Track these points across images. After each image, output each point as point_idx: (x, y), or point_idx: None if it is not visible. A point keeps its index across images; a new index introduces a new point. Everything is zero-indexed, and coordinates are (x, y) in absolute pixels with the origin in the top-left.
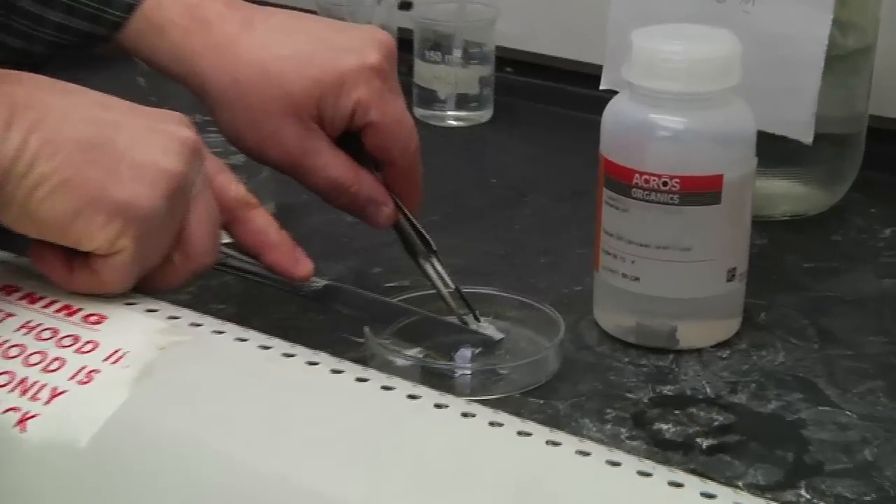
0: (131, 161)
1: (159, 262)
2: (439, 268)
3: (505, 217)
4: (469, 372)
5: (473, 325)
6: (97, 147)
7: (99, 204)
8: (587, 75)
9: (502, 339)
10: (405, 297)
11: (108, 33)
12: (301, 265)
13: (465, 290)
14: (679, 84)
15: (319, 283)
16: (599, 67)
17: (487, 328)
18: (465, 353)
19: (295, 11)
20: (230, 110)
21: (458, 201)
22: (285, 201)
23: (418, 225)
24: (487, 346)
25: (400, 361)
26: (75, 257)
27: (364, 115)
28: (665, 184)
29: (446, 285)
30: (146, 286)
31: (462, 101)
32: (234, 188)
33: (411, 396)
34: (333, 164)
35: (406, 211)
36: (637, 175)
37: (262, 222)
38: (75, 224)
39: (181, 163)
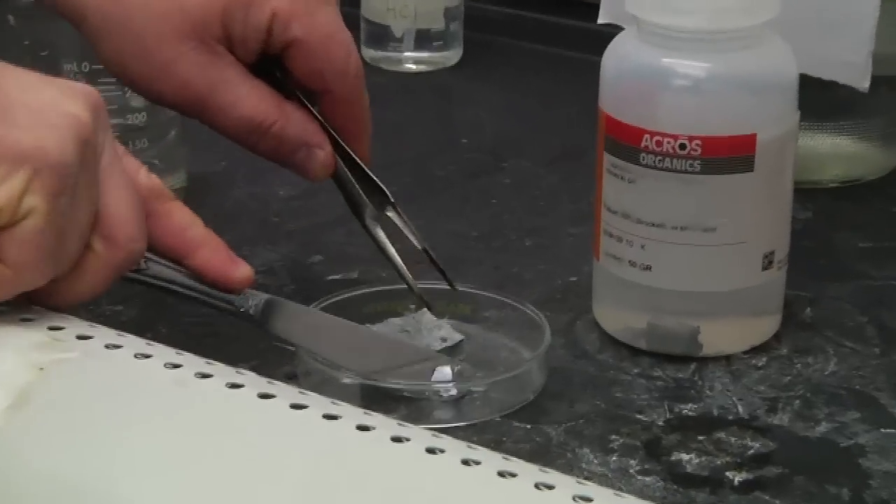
0: (27, 106)
1: (78, 251)
2: (399, 223)
3: (479, 188)
4: (434, 391)
5: (432, 324)
6: None
7: None
8: (582, 4)
9: (461, 340)
10: (354, 293)
11: None
12: (239, 267)
13: (423, 285)
14: (700, 19)
15: (259, 297)
16: None
17: (443, 328)
18: (445, 369)
19: None
20: (114, 38)
21: (420, 168)
22: (198, 170)
23: (367, 169)
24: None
25: (346, 379)
26: None
27: (284, 30)
28: (683, 147)
29: (412, 247)
30: (63, 292)
31: (423, 40)
32: (145, 175)
33: (362, 427)
34: (249, 98)
35: (352, 153)
36: (647, 136)
37: (185, 217)
38: None
39: (86, 110)
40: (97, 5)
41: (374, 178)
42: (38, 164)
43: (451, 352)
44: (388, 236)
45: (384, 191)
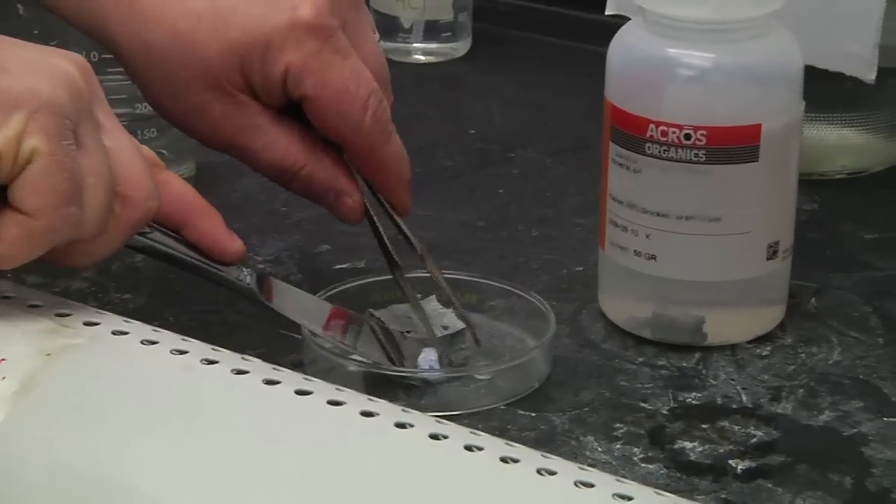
0: (18, 57)
1: (107, 203)
2: (430, 273)
3: (486, 178)
4: (437, 378)
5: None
6: None
7: None
8: None
9: (461, 330)
10: (360, 281)
11: None
12: (234, 239)
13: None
14: (705, 9)
15: (252, 272)
16: None
17: (446, 316)
18: (431, 353)
19: None
20: (145, 78)
21: (428, 158)
22: (206, 160)
23: (398, 220)
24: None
25: (351, 367)
26: None
27: (296, 85)
28: (688, 137)
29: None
30: (83, 252)
31: (432, 31)
32: (138, 145)
33: (366, 413)
34: (277, 143)
35: (385, 203)
36: (652, 126)
37: (181, 186)
38: None
39: (75, 68)
40: (130, 51)
41: (405, 230)
42: (31, 106)
43: (452, 340)
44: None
45: (414, 244)
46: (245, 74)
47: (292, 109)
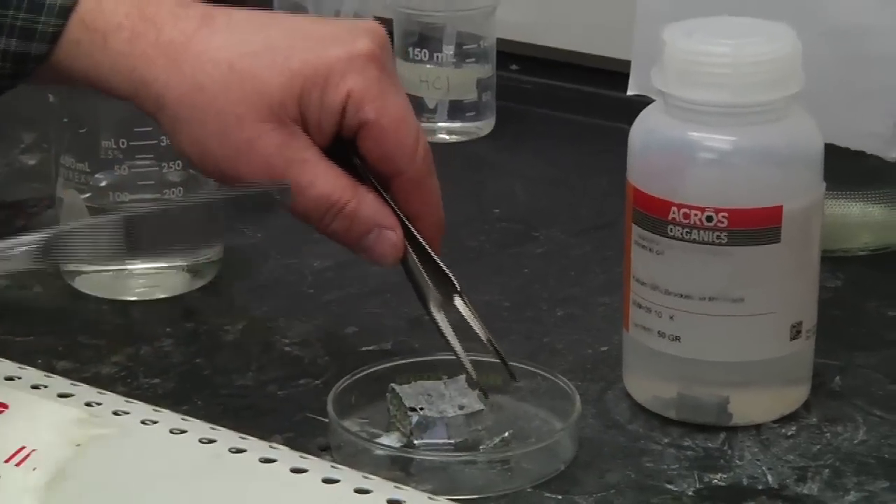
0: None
1: None
2: (465, 312)
3: (511, 258)
4: (464, 461)
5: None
6: None
7: None
8: (613, 73)
9: (481, 410)
10: (387, 364)
11: (45, 49)
12: None
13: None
14: (725, 93)
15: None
16: (628, 63)
17: (467, 396)
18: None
19: (263, 11)
20: (194, 123)
21: (452, 238)
22: (234, 243)
23: (435, 256)
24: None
25: (378, 451)
26: None
27: (357, 111)
28: (710, 219)
29: (476, 336)
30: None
31: (456, 110)
32: None
33: (392, 502)
34: (325, 177)
35: (421, 239)
36: (674, 208)
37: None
38: None
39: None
40: (177, 95)
41: (442, 266)
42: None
43: (469, 420)
44: (453, 325)
45: (451, 279)
46: (302, 105)
47: (334, 154)
